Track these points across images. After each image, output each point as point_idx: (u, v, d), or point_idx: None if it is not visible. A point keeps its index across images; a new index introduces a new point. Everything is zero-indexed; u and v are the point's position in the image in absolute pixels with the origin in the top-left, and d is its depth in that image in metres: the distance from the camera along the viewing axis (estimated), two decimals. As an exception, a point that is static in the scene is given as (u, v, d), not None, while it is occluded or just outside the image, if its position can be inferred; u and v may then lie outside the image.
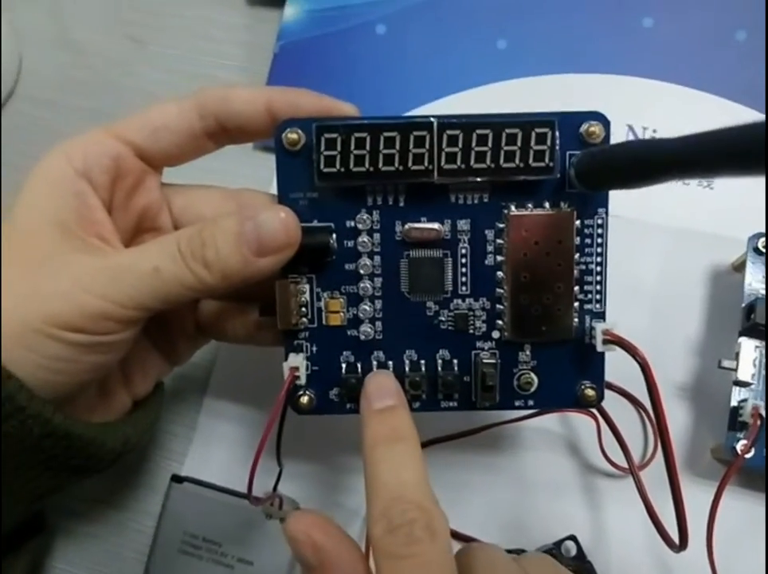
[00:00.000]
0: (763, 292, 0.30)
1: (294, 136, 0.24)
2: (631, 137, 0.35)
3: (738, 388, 0.29)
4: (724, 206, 0.34)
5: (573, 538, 0.30)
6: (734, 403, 0.29)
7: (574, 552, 0.30)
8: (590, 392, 0.26)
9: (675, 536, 0.26)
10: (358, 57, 0.37)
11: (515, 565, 0.21)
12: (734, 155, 0.15)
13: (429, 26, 0.37)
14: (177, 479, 0.32)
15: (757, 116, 0.34)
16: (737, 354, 0.29)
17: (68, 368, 0.23)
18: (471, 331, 0.26)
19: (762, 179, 0.15)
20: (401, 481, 0.21)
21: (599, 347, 0.24)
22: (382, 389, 0.24)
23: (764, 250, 0.30)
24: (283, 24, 0.37)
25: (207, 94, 0.25)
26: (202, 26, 0.39)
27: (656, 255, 0.34)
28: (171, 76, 0.39)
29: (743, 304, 0.30)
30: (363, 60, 0.37)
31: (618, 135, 0.35)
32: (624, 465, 0.30)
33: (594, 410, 0.28)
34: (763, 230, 0.31)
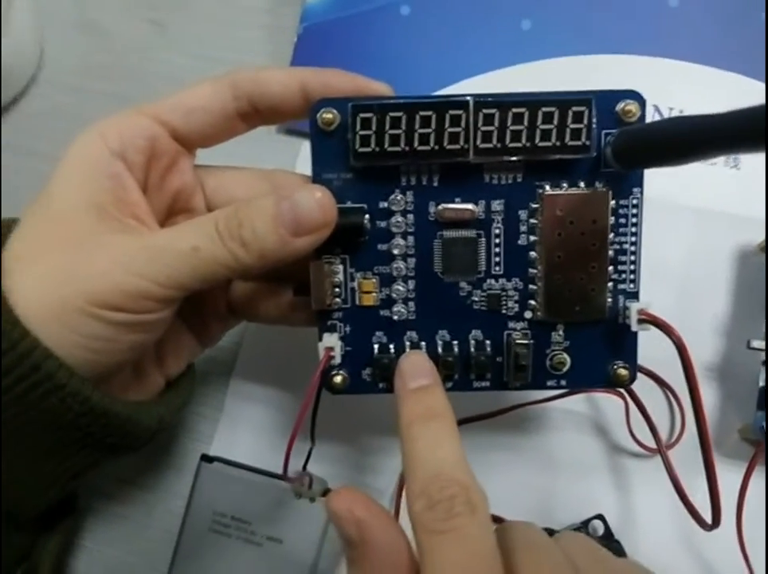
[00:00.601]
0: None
1: (329, 116, 0.24)
2: (657, 118, 0.35)
3: (767, 368, 0.29)
4: (751, 187, 0.34)
5: (601, 517, 0.31)
6: (762, 383, 0.29)
7: (601, 531, 0.31)
8: (623, 372, 0.26)
9: (704, 514, 0.26)
10: (382, 39, 0.37)
11: (554, 544, 0.21)
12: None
13: (453, 7, 0.37)
14: (207, 459, 0.32)
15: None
16: (766, 334, 0.29)
17: (106, 348, 0.23)
18: (504, 311, 0.26)
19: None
20: (438, 458, 0.21)
21: (634, 327, 0.24)
22: (417, 368, 0.24)
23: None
24: (306, 5, 0.37)
25: (241, 75, 0.25)
26: (224, 10, 0.39)
27: (683, 236, 0.34)
28: (194, 60, 0.39)
29: (772, 285, 0.30)
30: (387, 42, 0.37)
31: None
32: (651, 445, 0.30)
33: (623, 390, 0.28)
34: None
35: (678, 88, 0.35)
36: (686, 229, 0.34)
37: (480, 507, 0.20)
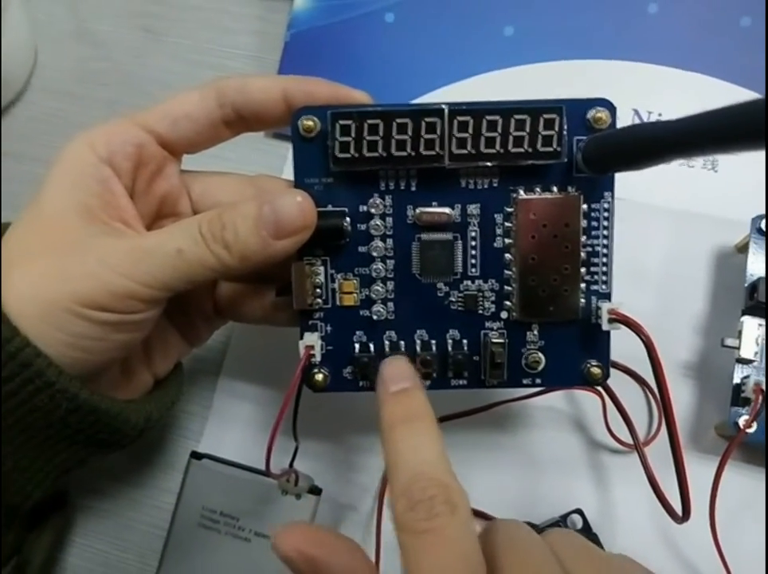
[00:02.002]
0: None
1: (310, 123, 0.25)
2: (637, 121, 0.36)
3: (740, 365, 0.30)
4: (727, 189, 0.34)
5: (579, 511, 0.31)
6: (736, 380, 0.30)
7: (580, 524, 0.31)
8: (596, 370, 0.26)
9: (678, 508, 0.27)
10: (368, 45, 0.38)
11: (540, 541, 0.21)
12: (737, 129, 0.16)
13: (437, 14, 0.38)
14: (196, 456, 0.33)
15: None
16: (740, 332, 0.30)
17: (94, 347, 0.24)
18: (480, 311, 0.26)
19: (765, 161, 0.16)
20: (420, 459, 0.21)
21: (605, 326, 0.25)
22: (398, 373, 0.24)
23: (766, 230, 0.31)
24: (293, 13, 0.38)
25: (225, 83, 0.26)
26: (215, 17, 0.40)
27: (661, 237, 0.34)
28: (185, 66, 0.39)
29: (746, 284, 0.31)
30: (372, 48, 0.37)
31: (624, 120, 0.35)
32: (629, 441, 0.31)
33: (600, 388, 0.29)
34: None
35: (657, 92, 0.36)
36: (664, 231, 0.34)
37: (460, 506, 0.20)
